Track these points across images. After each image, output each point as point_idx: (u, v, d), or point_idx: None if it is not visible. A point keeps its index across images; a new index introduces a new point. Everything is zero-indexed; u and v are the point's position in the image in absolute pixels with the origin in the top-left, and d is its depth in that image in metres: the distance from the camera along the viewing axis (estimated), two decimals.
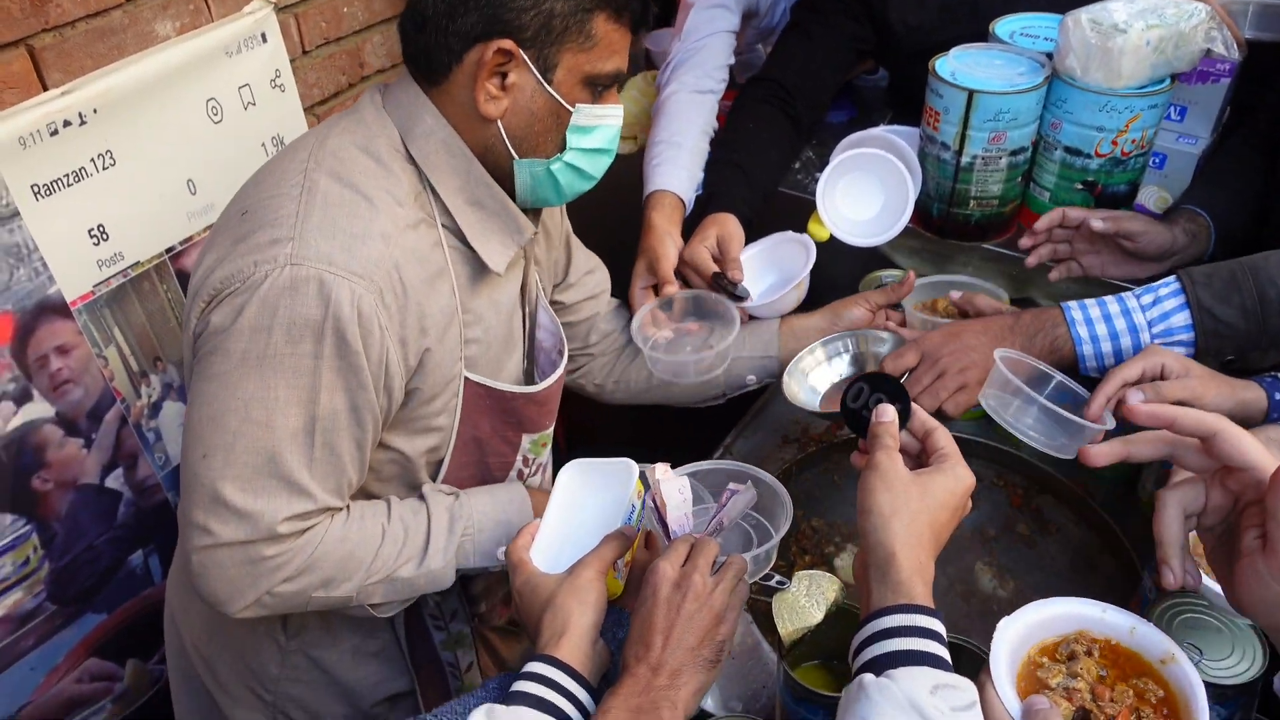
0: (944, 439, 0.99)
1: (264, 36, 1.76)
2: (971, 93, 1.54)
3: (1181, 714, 0.89)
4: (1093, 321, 1.32)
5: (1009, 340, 1.36)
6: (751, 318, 1.63)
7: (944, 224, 1.71)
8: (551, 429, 1.48)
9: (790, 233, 1.66)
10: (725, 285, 1.56)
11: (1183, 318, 1.28)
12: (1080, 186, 1.62)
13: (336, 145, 1.19)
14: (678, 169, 1.75)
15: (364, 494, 1.31)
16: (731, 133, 1.84)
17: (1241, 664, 1.17)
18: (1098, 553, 1.54)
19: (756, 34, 2.21)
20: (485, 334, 1.30)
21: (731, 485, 1.17)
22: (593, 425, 2.82)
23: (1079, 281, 1.63)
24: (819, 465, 1.73)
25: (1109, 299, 1.33)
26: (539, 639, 1.01)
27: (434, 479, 1.35)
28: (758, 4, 2.13)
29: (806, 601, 1.21)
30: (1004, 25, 1.71)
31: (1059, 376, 1.35)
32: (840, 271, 1.87)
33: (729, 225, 1.63)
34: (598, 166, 1.30)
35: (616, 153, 1.33)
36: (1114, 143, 1.55)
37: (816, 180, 1.89)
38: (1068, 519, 1.63)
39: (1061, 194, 1.64)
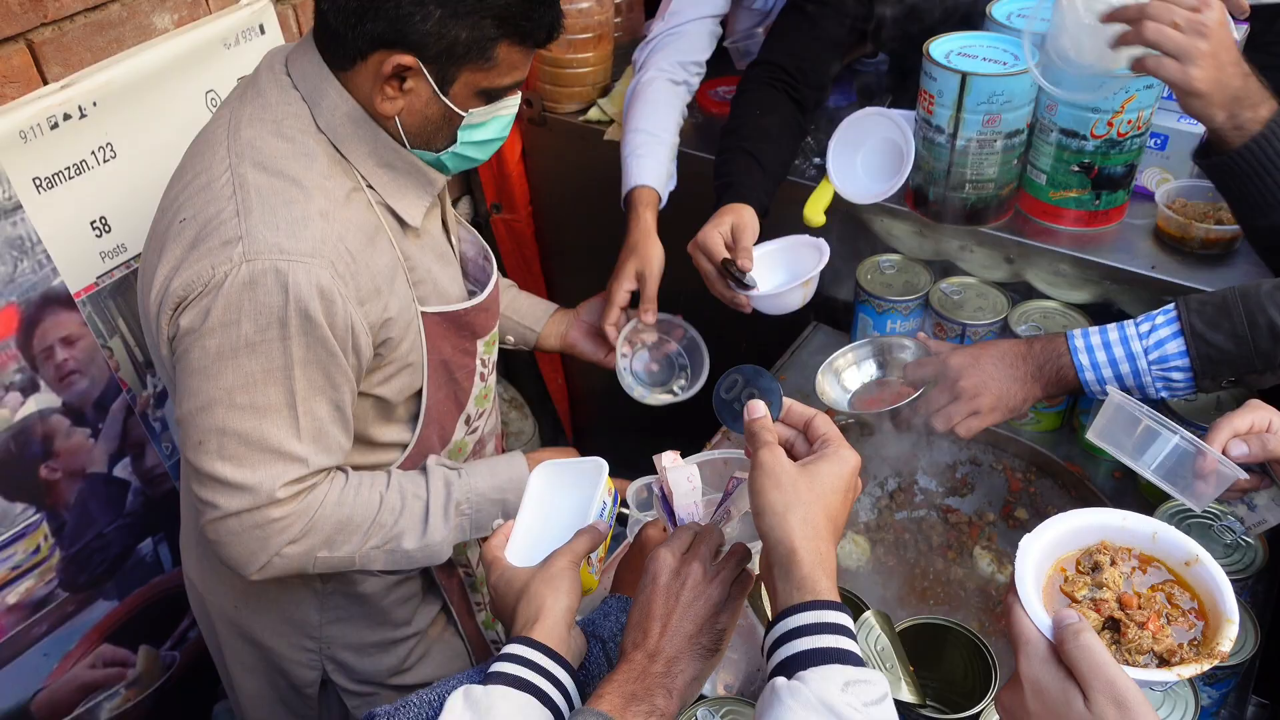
0: (824, 424, 0.99)
1: (262, 28, 1.77)
2: (965, 75, 1.54)
3: (1209, 614, 0.88)
4: (1093, 349, 1.34)
5: (1023, 368, 1.39)
6: (754, 312, 1.63)
7: (940, 207, 1.70)
8: (495, 329, 1.57)
9: (806, 236, 1.67)
10: (734, 272, 1.57)
11: (1177, 344, 1.30)
12: (1077, 168, 1.61)
13: (250, 135, 1.24)
14: (658, 164, 1.78)
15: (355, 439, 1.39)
16: (738, 120, 1.83)
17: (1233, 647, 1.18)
18: None
19: (751, 17, 2.20)
20: (427, 272, 1.38)
21: (737, 474, 1.14)
22: (602, 415, 2.84)
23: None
24: None
25: (1110, 327, 1.35)
26: (514, 625, 1.01)
27: (416, 409, 1.45)
28: None
29: None
30: (1000, 7, 1.70)
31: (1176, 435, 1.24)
32: (837, 256, 1.87)
33: (744, 214, 1.64)
34: (487, 151, 1.37)
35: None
36: (1109, 124, 1.54)
37: (813, 165, 1.90)
38: (1066, 502, 1.63)
39: (1058, 176, 1.63)
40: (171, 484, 1.87)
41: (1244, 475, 1.10)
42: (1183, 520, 1.33)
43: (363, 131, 1.28)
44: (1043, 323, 1.64)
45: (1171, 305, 1.34)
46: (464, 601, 1.69)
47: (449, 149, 1.32)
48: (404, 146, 1.30)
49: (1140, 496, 1.54)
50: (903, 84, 1.96)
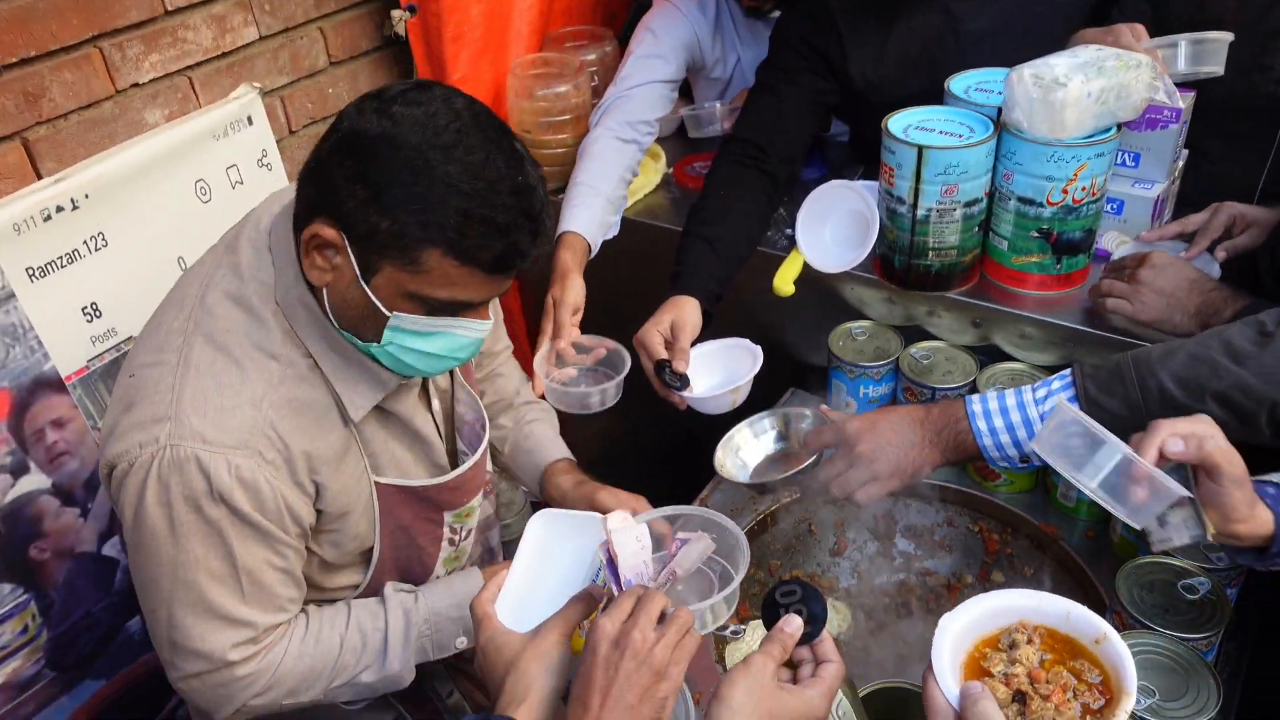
0: (830, 672, 1.02)
1: (250, 119, 1.85)
2: (921, 148, 1.59)
3: (1114, 688, 0.93)
4: (990, 414, 1.36)
5: (920, 434, 1.39)
6: (690, 410, 1.66)
7: (906, 275, 1.75)
8: (476, 499, 1.51)
9: (745, 340, 1.71)
10: (665, 374, 1.62)
11: None
12: (1036, 234, 1.65)
13: (213, 302, 1.23)
14: (591, 213, 1.87)
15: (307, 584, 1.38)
16: (704, 200, 1.89)
17: (1196, 704, 1.19)
18: (1069, 594, 1.54)
19: (712, 86, 2.28)
20: (384, 445, 1.35)
21: (680, 535, 1.16)
22: (592, 458, 2.85)
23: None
24: (795, 515, 1.75)
25: (1009, 393, 1.36)
26: (500, 698, 1.02)
27: (366, 565, 1.42)
28: (703, 56, 2.21)
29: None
30: (958, 81, 1.76)
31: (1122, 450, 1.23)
32: (811, 324, 1.91)
33: (686, 312, 1.69)
34: (433, 366, 1.25)
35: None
36: (1064, 191, 1.59)
37: (785, 236, 1.96)
38: (1042, 562, 1.64)
39: (1019, 242, 1.67)
40: None
41: (1184, 492, 1.10)
42: (1146, 577, 1.34)
43: (312, 315, 1.23)
44: (1010, 384, 1.66)
45: (1068, 371, 1.36)
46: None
47: (379, 345, 1.21)
48: (333, 323, 1.23)
49: (1113, 555, 1.55)
50: (869, 155, 2.03)
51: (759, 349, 1.67)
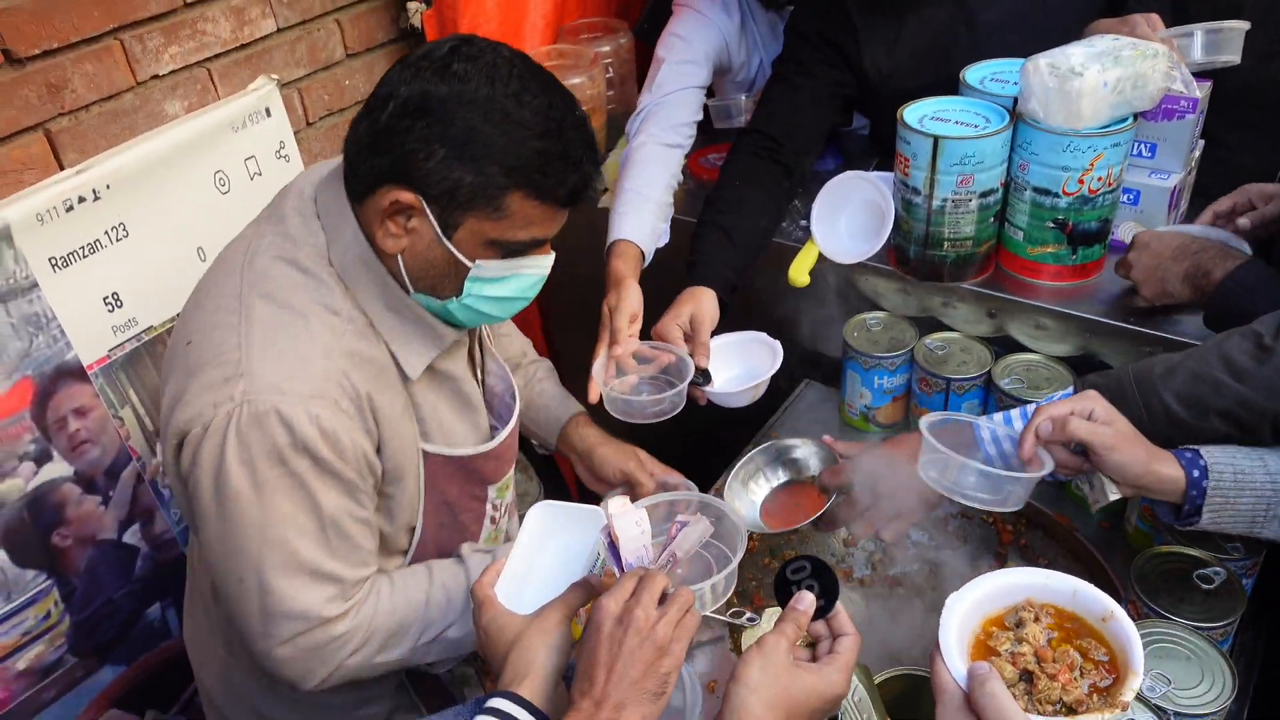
0: (846, 646, 1.03)
1: (268, 111, 1.86)
2: (937, 139, 1.59)
3: (1121, 666, 0.93)
4: (999, 440, 1.36)
5: None
6: (709, 404, 1.68)
7: (921, 266, 1.75)
8: (511, 472, 1.54)
9: (763, 335, 1.73)
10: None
11: None
12: (1052, 225, 1.65)
13: (265, 265, 1.24)
14: (642, 221, 1.83)
15: None
16: (720, 190, 1.90)
17: (1210, 693, 1.19)
18: None
19: (736, 88, 2.28)
20: (434, 410, 1.36)
21: (680, 517, 1.17)
22: None
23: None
24: None
25: (1014, 412, 1.39)
26: (503, 675, 1.05)
27: (408, 544, 1.42)
28: (730, 60, 2.21)
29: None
30: (974, 72, 1.76)
31: (992, 425, 1.38)
32: (826, 315, 1.91)
33: (704, 304, 1.70)
34: (506, 310, 1.30)
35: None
36: (1080, 181, 1.59)
37: (800, 227, 1.96)
38: (1056, 553, 1.64)
39: (1035, 232, 1.67)
40: (180, 550, 1.92)
41: (1036, 474, 1.24)
42: (1160, 567, 1.34)
43: (372, 274, 1.25)
44: (1025, 375, 1.67)
45: (1071, 389, 1.38)
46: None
47: (458, 300, 1.26)
48: (408, 290, 1.26)
49: (1127, 545, 1.54)
50: (888, 148, 2.03)
51: (778, 345, 1.69)
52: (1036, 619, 0.98)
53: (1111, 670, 0.94)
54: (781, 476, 1.62)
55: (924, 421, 1.31)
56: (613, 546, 1.11)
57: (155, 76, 1.71)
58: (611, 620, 1.01)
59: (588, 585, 1.14)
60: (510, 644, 1.07)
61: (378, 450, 1.28)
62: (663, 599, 1.04)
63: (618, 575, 1.11)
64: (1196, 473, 1.21)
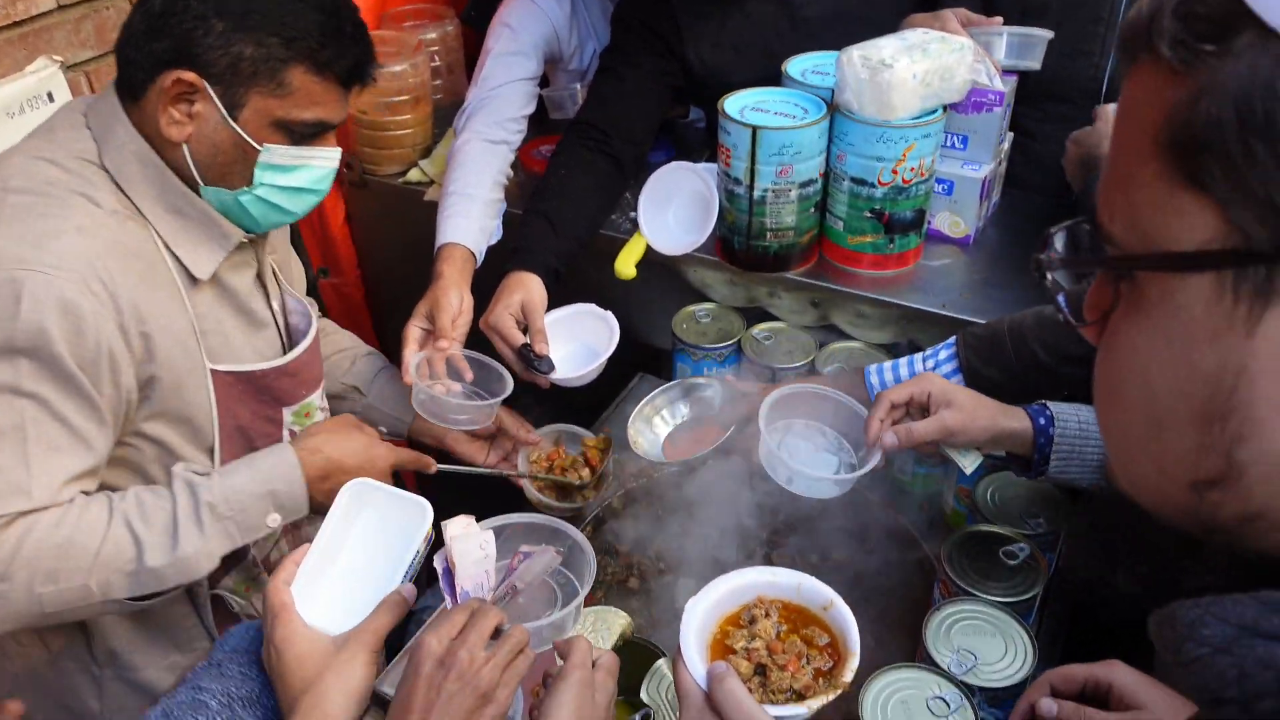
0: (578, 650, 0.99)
1: (50, 95, 1.70)
2: (755, 129, 1.59)
3: (841, 650, 1.00)
4: (886, 385, 1.41)
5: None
6: (553, 386, 1.64)
7: (745, 256, 1.75)
8: (314, 396, 1.50)
9: (593, 306, 1.71)
10: (530, 357, 1.59)
11: (957, 379, 1.40)
12: (869, 214, 1.68)
13: (21, 162, 1.20)
14: (469, 221, 1.77)
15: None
16: (546, 180, 1.85)
17: (1013, 666, 1.22)
18: (903, 566, 1.56)
19: (569, 77, 2.24)
20: (218, 324, 1.32)
21: (524, 548, 1.10)
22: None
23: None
24: (641, 501, 1.73)
25: (901, 361, 1.45)
26: (294, 713, 0.95)
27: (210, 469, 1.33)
28: (561, 49, 2.17)
29: (593, 636, 1.21)
30: (795, 64, 1.77)
31: (841, 399, 1.40)
32: (656, 307, 1.90)
33: (532, 290, 1.65)
34: (299, 204, 1.31)
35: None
36: (894, 171, 1.62)
37: (628, 219, 1.94)
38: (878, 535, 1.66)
39: (854, 222, 1.70)
40: None
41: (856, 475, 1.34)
42: (970, 547, 1.37)
43: (149, 172, 1.23)
44: (848, 362, 1.70)
45: (953, 340, 1.42)
46: None
47: (250, 191, 1.25)
48: (195, 187, 1.24)
49: (945, 526, 1.58)
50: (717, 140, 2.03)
51: (611, 316, 1.69)
52: (767, 614, 1.02)
53: (834, 655, 1.00)
54: (685, 413, 1.64)
55: (767, 404, 1.36)
56: (447, 573, 1.03)
57: None
58: (432, 661, 0.92)
59: (400, 602, 1.04)
60: (305, 683, 0.96)
61: (147, 355, 1.20)
62: (497, 634, 0.96)
63: (450, 605, 1.02)
64: (1043, 420, 1.26)
